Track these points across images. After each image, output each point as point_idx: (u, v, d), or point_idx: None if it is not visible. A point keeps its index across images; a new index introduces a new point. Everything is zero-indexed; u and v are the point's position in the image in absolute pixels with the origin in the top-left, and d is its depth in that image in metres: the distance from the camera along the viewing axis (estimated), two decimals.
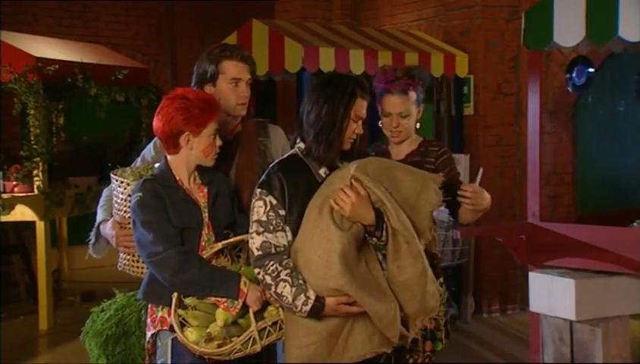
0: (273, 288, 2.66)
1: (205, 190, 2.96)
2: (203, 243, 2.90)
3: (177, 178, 2.92)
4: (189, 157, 2.92)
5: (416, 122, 3.33)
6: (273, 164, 2.85)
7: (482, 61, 6.87)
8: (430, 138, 3.48)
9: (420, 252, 2.70)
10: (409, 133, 3.31)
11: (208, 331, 2.71)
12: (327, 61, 6.06)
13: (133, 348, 3.31)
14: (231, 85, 3.17)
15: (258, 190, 2.75)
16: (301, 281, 2.64)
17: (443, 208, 3.26)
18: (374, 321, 2.64)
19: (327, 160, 2.79)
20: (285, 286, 2.64)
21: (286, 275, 2.65)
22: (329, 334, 2.67)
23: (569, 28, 3.84)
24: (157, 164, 3.02)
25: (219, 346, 2.69)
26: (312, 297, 2.62)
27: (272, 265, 2.67)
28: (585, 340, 3.63)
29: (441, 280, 3.24)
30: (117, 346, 3.33)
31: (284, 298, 2.65)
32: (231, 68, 3.17)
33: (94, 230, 3.21)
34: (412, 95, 3.26)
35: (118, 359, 3.33)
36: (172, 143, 2.90)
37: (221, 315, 2.72)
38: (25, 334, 6.61)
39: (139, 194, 2.85)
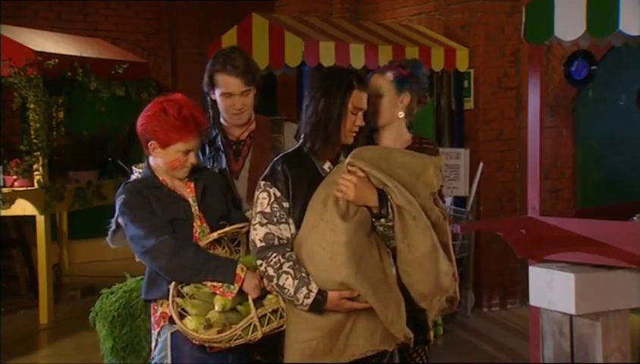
0: (275, 280, 2.66)
1: (192, 185, 2.97)
2: (197, 235, 2.90)
3: (161, 178, 2.94)
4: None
5: (401, 111, 3.21)
6: (277, 157, 2.83)
7: (483, 55, 6.87)
8: (426, 134, 3.45)
9: (428, 227, 2.65)
10: (385, 118, 3.20)
11: (207, 317, 2.71)
12: (327, 55, 6.05)
13: (139, 331, 3.34)
14: (224, 97, 3.18)
15: (262, 182, 2.75)
16: (304, 274, 2.63)
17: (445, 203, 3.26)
18: (379, 314, 2.62)
19: (326, 153, 2.77)
20: (287, 278, 2.63)
21: (288, 267, 2.64)
22: (331, 330, 2.66)
23: (569, 22, 3.84)
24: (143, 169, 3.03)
25: (219, 332, 2.69)
26: (315, 290, 2.61)
27: (275, 257, 2.66)
28: (585, 334, 3.63)
29: None
30: (124, 327, 3.35)
31: (286, 290, 2.64)
32: (222, 82, 3.17)
33: (114, 219, 3.22)
34: (390, 75, 3.19)
35: (124, 340, 3.35)
36: (144, 145, 2.92)
37: (218, 301, 2.73)
38: (25, 328, 6.62)
39: (123, 196, 2.88)
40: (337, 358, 2.67)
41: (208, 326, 2.70)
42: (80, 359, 5.61)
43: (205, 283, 2.77)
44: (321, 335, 2.65)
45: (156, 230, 2.79)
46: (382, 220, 2.66)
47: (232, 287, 2.72)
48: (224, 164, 3.23)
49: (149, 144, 2.88)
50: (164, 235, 2.78)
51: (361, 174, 2.66)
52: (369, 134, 3.24)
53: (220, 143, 3.27)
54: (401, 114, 3.24)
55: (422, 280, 2.67)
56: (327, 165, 2.79)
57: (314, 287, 2.62)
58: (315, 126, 2.74)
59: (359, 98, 2.77)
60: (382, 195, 2.65)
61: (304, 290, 2.62)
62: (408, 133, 3.30)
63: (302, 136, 2.83)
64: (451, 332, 6.12)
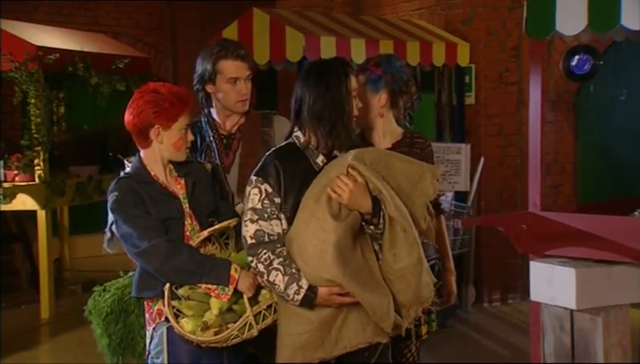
0: (265, 276, 2.67)
1: (183, 182, 2.96)
2: (188, 233, 2.90)
3: (152, 173, 2.92)
4: (160, 151, 2.91)
5: (380, 110, 3.21)
6: (269, 152, 2.83)
7: (484, 50, 6.86)
8: (427, 129, 3.44)
9: (417, 240, 2.68)
10: (366, 119, 3.19)
11: (203, 319, 2.72)
12: (328, 50, 6.04)
13: (133, 326, 3.33)
14: (230, 84, 3.18)
15: (254, 178, 2.74)
16: (294, 270, 2.64)
17: (444, 197, 3.25)
18: (368, 311, 2.64)
19: (346, 146, 2.76)
20: (277, 275, 2.64)
21: (278, 264, 2.65)
22: (321, 323, 2.66)
23: (571, 16, 3.83)
24: (131, 163, 3.01)
25: (216, 333, 2.71)
26: (305, 286, 2.62)
27: (265, 254, 2.67)
28: (586, 328, 3.63)
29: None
30: (118, 324, 3.34)
31: (277, 286, 2.65)
32: (228, 68, 3.18)
33: (109, 226, 3.17)
34: (361, 78, 3.16)
35: (119, 336, 3.35)
36: (143, 137, 2.90)
37: (215, 304, 2.74)
38: (26, 323, 6.63)
39: (115, 193, 2.85)
40: (329, 351, 2.67)
41: (205, 328, 2.71)
42: (81, 354, 5.62)
43: (199, 285, 2.77)
44: (311, 328, 2.66)
45: (149, 232, 2.78)
46: (372, 227, 2.67)
47: (227, 288, 2.73)
48: (217, 159, 3.24)
49: (154, 130, 2.86)
50: (157, 237, 2.77)
51: (360, 178, 2.66)
52: (361, 132, 3.23)
53: (211, 138, 3.27)
54: (382, 113, 3.23)
55: (402, 291, 2.69)
56: (320, 159, 2.78)
57: (304, 283, 2.62)
58: (335, 120, 2.72)
59: (354, 81, 2.80)
60: (376, 203, 2.66)
61: (294, 287, 2.62)
62: (398, 128, 3.28)
63: (295, 130, 2.80)
64: (452, 327, 6.13)
